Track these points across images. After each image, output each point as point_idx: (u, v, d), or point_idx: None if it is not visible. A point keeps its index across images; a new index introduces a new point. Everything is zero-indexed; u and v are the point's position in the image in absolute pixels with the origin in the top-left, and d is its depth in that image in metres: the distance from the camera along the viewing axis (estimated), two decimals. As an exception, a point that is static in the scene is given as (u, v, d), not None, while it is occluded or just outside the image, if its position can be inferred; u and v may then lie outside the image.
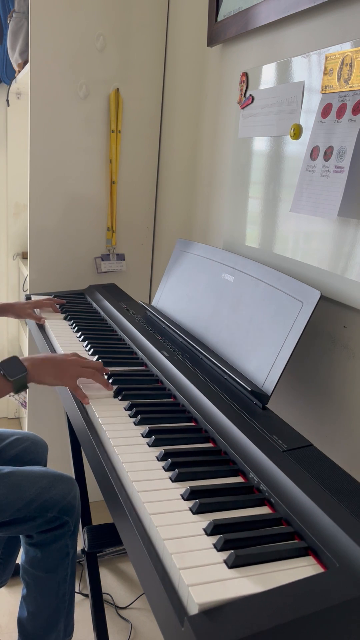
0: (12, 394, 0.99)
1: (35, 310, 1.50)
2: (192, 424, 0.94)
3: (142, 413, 0.94)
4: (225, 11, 1.47)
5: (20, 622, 1.19)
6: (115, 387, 1.03)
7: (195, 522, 0.67)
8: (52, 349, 1.29)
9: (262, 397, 0.95)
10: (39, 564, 1.15)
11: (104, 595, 1.58)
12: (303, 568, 0.61)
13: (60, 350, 1.24)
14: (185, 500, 0.72)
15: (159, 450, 0.83)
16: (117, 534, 0.80)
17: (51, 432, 1.85)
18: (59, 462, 1.75)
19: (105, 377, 1.07)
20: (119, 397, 1.01)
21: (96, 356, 1.19)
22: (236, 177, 1.46)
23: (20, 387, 0.98)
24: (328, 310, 1.11)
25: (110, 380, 1.07)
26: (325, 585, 0.56)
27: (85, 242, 1.83)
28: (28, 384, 0.99)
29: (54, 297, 1.64)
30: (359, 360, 1.04)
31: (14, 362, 1.00)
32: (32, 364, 1.01)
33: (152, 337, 1.26)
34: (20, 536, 1.23)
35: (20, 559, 1.22)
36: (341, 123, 1.00)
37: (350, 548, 0.61)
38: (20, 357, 1.01)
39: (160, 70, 1.79)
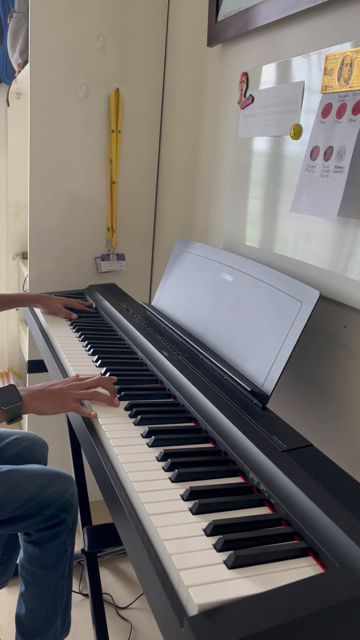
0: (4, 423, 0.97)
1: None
2: (192, 424, 0.94)
3: (141, 413, 0.94)
4: (225, 11, 1.47)
5: (18, 619, 1.20)
6: (126, 403, 0.99)
7: (195, 523, 0.67)
8: (52, 349, 1.29)
9: (261, 397, 0.95)
10: (38, 561, 1.16)
11: (104, 595, 1.58)
12: (303, 568, 0.61)
13: (61, 350, 1.24)
14: (185, 500, 0.72)
15: (158, 451, 0.83)
16: (117, 534, 0.80)
17: (51, 432, 1.85)
18: (59, 462, 1.75)
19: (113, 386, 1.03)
20: (118, 397, 1.01)
21: (96, 356, 1.19)
22: (236, 177, 1.46)
23: (13, 417, 0.96)
24: (328, 310, 1.11)
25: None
26: (325, 585, 0.56)
27: (85, 242, 1.83)
28: (22, 415, 0.97)
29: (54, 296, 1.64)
30: (359, 360, 1.04)
31: (9, 390, 0.97)
32: (29, 394, 0.98)
33: (152, 337, 1.26)
34: (19, 534, 1.23)
35: (18, 556, 1.22)
36: (341, 123, 1.00)
37: (350, 548, 0.61)
38: (19, 387, 0.98)
39: (160, 70, 1.79)
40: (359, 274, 1.01)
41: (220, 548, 0.62)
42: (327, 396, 1.13)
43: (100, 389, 1.00)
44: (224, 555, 0.62)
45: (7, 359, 2.81)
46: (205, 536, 0.65)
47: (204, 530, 0.66)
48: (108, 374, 1.10)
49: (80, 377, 1.04)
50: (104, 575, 1.69)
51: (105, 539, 0.96)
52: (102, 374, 1.11)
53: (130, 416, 0.94)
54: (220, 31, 1.50)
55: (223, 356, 1.13)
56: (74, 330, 1.38)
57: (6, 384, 0.95)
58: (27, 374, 1.90)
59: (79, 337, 1.33)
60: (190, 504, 0.71)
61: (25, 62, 1.91)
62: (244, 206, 1.42)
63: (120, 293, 1.67)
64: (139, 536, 0.66)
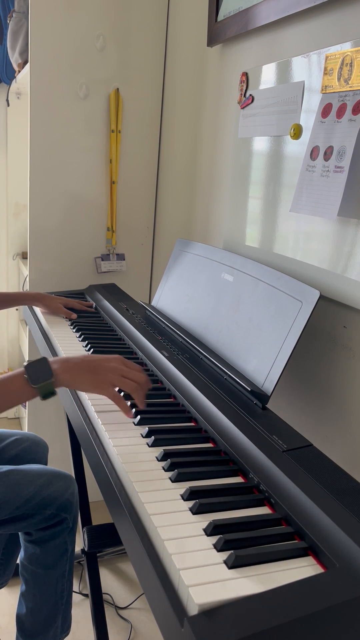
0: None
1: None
2: (192, 424, 0.94)
3: (142, 413, 0.94)
4: (225, 11, 1.47)
5: (19, 619, 1.20)
6: (138, 417, 0.92)
7: (195, 523, 0.67)
8: (52, 349, 1.29)
9: (262, 397, 0.95)
10: (38, 560, 1.16)
11: (104, 595, 1.58)
12: (303, 568, 0.61)
13: (60, 350, 1.24)
14: (185, 500, 0.72)
15: (158, 451, 0.83)
16: (117, 534, 0.80)
17: (51, 432, 1.85)
18: (59, 462, 1.75)
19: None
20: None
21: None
22: (236, 177, 1.46)
23: (47, 394, 0.88)
24: (328, 310, 1.11)
25: None
26: (325, 585, 0.56)
27: (85, 242, 1.83)
28: (56, 390, 0.89)
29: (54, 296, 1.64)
30: (359, 360, 1.04)
31: (40, 364, 0.88)
32: (64, 367, 0.89)
33: (152, 337, 1.26)
34: (19, 533, 1.23)
35: (19, 556, 1.23)
36: (341, 123, 1.00)
37: (350, 548, 0.61)
38: (51, 359, 0.89)
39: (160, 70, 1.79)
40: (359, 274, 1.01)
41: (220, 548, 0.62)
42: (327, 396, 1.13)
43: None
44: (224, 555, 0.62)
45: (7, 359, 2.81)
46: (205, 536, 0.65)
47: (204, 530, 0.66)
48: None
49: (125, 360, 0.94)
50: (104, 575, 1.69)
51: (106, 539, 0.96)
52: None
53: (130, 416, 0.94)
54: (220, 31, 1.50)
55: (223, 356, 1.13)
56: (74, 330, 1.38)
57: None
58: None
59: (79, 337, 1.33)
60: (190, 503, 0.71)
61: (25, 62, 1.91)
62: (244, 206, 1.42)
63: (120, 293, 1.67)
64: (139, 536, 0.66)
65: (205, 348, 1.17)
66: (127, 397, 0.97)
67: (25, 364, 0.89)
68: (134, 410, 0.94)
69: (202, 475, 0.78)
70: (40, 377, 0.87)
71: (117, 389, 0.92)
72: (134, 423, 0.92)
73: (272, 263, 1.28)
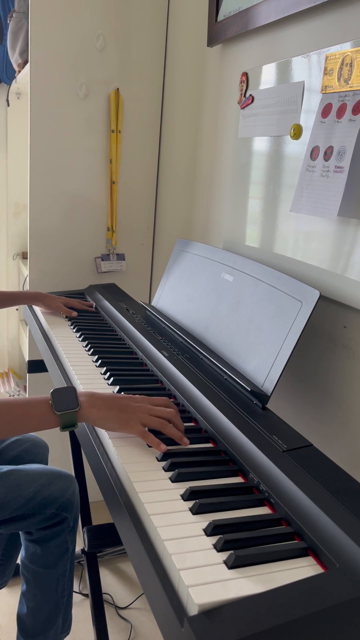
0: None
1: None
2: (192, 424, 0.94)
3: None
4: (225, 11, 1.47)
5: (20, 618, 1.20)
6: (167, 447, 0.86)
7: (195, 523, 0.67)
8: (52, 349, 1.29)
9: (261, 397, 0.95)
10: (39, 560, 1.16)
11: (104, 595, 1.58)
12: (303, 568, 0.61)
13: (61, 351, 1.24)
14: (185, 500, 0.72)
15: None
16: (117, 534, 0.80)
17: (51, 433, 1.85)
18: (59, 462, 1.75)
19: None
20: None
21: (96, 356, 1.19)
22: (236, 177, 1.46)
23: (67, 425, 0.84)
24: (328, 310, 1.11)
25: (109, 378, 1.07)
26: (325, 585, 0.56)
27: (85, 242, 1.83)
28: (78, 423, 0.85)
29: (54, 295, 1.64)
30: (359, 360, 1.04)
31: (67, 393, 0.85)
32: (90, 402, 0.86)
33: (152, 337, 1.26)
34: (20, 533, 1.23)
35: (20, 555, 1.23)
36: (341, 123, 1.00)
37: (350, 548, 0.61)
38: (80, 391, 0.87)
39: (160, 70, 1.79)
40: (359, 274, 1.01)
41: (220, 548, 0.62)
42: (327, 396, 1.13)
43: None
44: (224, 555, 0.62)
45: (7, 359, 2.81)
46: (205, 536, 0.65)
47: (204, 530, 0.66)
48: (108, 374, 1.10)
49: (151, 399, 0.91)
50: (104, 575, 1.69)
51: (105, 539, 0.96)
52: (102, 374, 1.11)
53: (131, 416, 0.94)
54: (220, 31, 1.50)
55: (223, 356, 1.13)
56: (74, 330, 1.38)
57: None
58: (27, 374, 1.90)
59: (79, 337, 1.33)
60: (190, 503, 0.71)
61: (25, 62, 1.91)
62: (244, 206, 1.42)
63: (120, 293, 1.67)
64: (139, 536, 0.66)
65: (205, 348, 1.17)
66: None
67: (52, 390, 0.86)
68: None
69: (202, 475, 0.78)
70: (64, 405, 0.85)
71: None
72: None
73: (272, 263, 1.28)
